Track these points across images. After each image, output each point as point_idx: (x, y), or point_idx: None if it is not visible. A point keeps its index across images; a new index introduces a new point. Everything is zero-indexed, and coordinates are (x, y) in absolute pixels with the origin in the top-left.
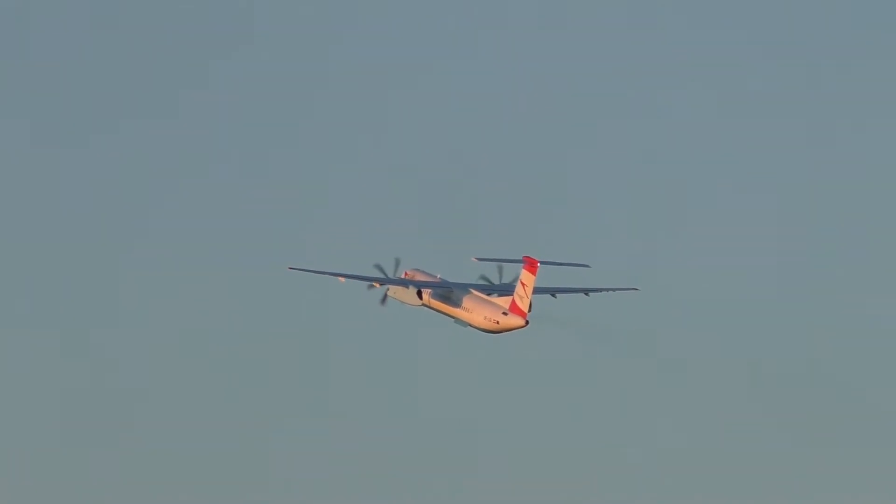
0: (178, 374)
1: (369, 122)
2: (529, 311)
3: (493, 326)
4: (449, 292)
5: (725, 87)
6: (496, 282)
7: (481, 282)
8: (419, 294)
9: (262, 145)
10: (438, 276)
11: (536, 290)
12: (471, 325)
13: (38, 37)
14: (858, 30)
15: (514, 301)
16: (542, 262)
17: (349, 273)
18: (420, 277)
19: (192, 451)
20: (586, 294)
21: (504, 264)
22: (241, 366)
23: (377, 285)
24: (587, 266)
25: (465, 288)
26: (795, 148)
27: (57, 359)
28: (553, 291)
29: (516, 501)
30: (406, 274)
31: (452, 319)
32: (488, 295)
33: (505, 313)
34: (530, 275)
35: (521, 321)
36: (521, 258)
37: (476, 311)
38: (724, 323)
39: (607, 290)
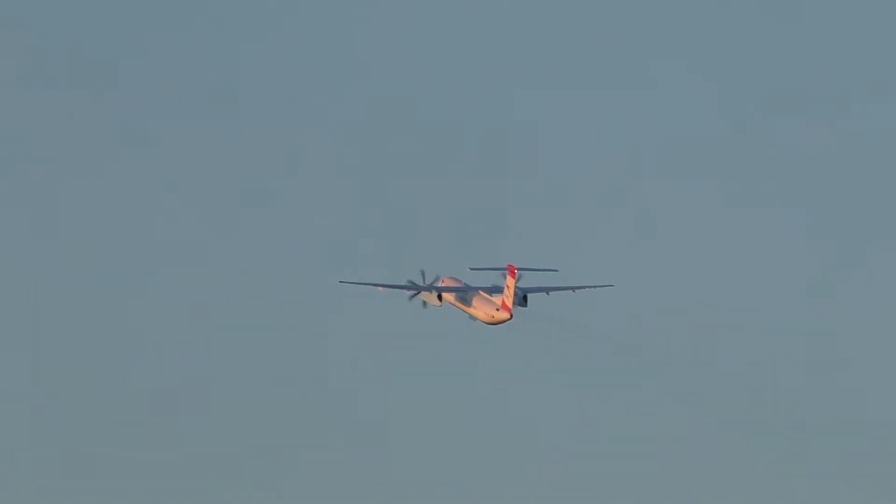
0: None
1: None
2: (527, 306)
3: (490, 319)
4: (465, 294)
5: (686, 84)
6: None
7: (501, 284)
8: (439, 297)
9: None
10: (463, 282)
11: (533, 290)
12: (477, 319)
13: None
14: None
15: (503, 300)
16: (519, 269)
17: (388, 283)
18: (452, 283)
19: (246, 450)
20: (573, 291)
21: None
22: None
23: (407, 293)
24: (556, 270)
25: (475, 291)
26: (755, 137)
27: (118, 381)
28: (547, 290)
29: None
30: (443, 281)
31: (467, 315)
32: (491, 296)
33: (498, 309)
34: (512, 279)
35: (507, 315)
36: (506, 266)
37: (480, 308)
38: (693, 317)
39: (588, 287)
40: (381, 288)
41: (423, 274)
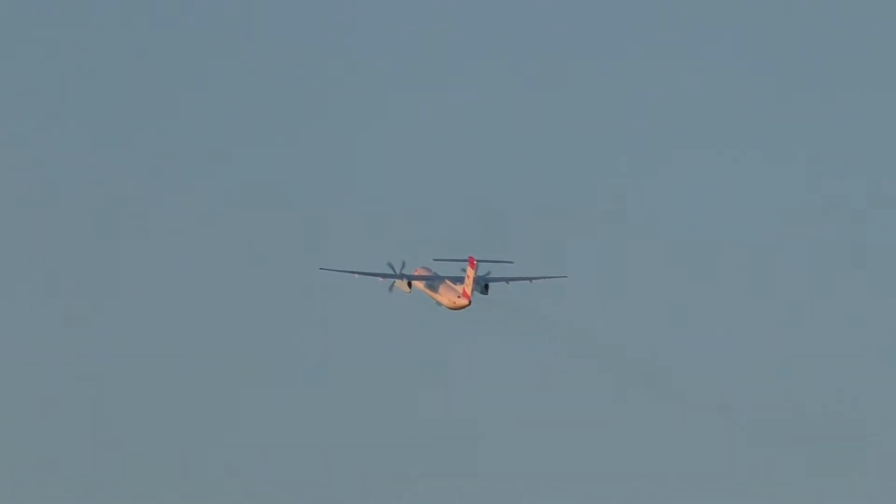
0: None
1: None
2: (488, 294)
3: (453, 305)
4: (432, 282)
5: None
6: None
7: (463, 273)
8: (409, 285)
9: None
10: (433, 271)
11: (494, 280)
12: (442, 305)
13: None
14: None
15: (464, 288)
16: (478, 260)
17: (364, 271)
18: (423, 273)
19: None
20: (530, 281)
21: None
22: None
23: (380, 280)
24: (511, 262)
25: (442, 279)
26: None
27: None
28: (507, 280)
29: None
30: (417, 270)
31: (434, 301)
32: (455, 284)
33: (459, 296)
34: (471, 269)
35: (466, 301)
36: (466, 258)
37: (445, 294)
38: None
39: (544, 278)
40: (356, 275)
41: (391, 265)
